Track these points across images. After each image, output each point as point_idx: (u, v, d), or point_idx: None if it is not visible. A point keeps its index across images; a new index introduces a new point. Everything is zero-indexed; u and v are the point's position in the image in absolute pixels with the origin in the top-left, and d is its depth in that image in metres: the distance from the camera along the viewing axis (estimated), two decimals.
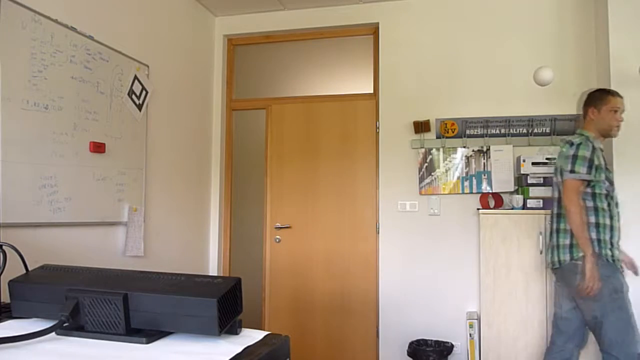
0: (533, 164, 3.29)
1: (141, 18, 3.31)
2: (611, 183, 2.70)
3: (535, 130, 3.60)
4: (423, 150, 3.76)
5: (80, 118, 2.72)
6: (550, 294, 3.16)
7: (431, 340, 3.62)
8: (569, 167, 2.61)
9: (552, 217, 2.82)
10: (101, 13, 2.93)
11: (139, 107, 3.24)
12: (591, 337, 2.80)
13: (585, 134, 2.72)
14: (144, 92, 3.28)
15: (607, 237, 2.61)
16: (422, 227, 3.77)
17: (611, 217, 2.65)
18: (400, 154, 3.83)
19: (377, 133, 3.94)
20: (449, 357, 3.54)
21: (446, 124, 3.73)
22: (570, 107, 3.57)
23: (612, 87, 3.24)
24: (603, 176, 2.63)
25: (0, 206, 2.23)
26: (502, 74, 3.71)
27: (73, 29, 2.69)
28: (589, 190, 2.63)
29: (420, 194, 3.76)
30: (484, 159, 3.65)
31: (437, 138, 3.76)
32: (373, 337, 3.86)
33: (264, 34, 4.28)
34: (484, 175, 3.63)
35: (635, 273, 2.80)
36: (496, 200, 3.53)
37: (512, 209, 3.33)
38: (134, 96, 3.19)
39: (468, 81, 3.76)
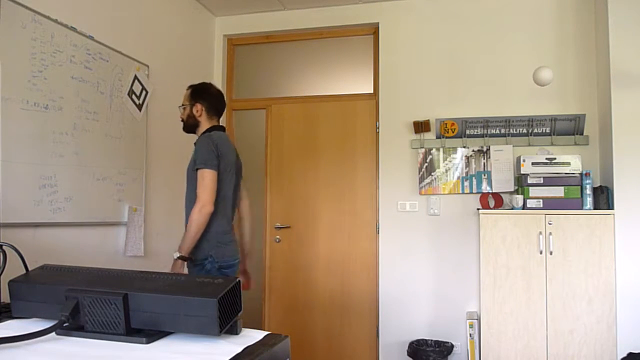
0: (533, 164, 3.29)
1: (141, 18, 3.31)
2: None
3: (535, 130, 3.60)
4: (423, 150, 3.75)
5: (80, 118, 2.72)
6: (550, 293, 3.16)
7: (431, 340, 3.61)
8: None
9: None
10: (101, 13, 2.93)
11: (139, 107, 3.24)
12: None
13: None
14: (144, 92, 3.28)
15: None
16: (422, 227, 3.77)
17: None
18: (400, 154, 3.83)
19: (377, 133, 3.94)
20: (449, 357, 3.54)
21: (446, 124, 3.73)
22: (570, 107, 3.58)
23: (612, 87, 3.25)
24: None
25: (0, 206, 2.23)
26: (502, 74, 3.71)
27: (73, 29, 2.69)
28: None
29: (420, 194, 3.76)
30: (484, 159, 3.65)
31: (437, 138, 3.76)
32: (373, 337, 3.86)
33: (264, 34, 4.28)
34: (484, 175, 3.63)
35: None
36: (496, 200, 3.53)
37: (512, 209, 3.33)
38: (134, 96, 3.19)
39: (468, 81, 3.76)
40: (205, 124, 2.61)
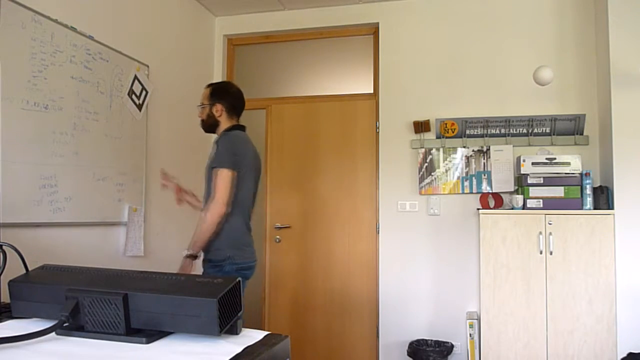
0: (533, 164, 3.29)
1: (141, 18, 3.31)
2: None
3: (535, 130, 3.60)
4: (423, 150, 3.75)
5: (80, 118, 2.72)
6: (550, 293, 3.16)
7: (431, 340, 3.61)
8: None
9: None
10: (101, 13, 2.93)
11: (139, 107, 3.24)
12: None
13: None
14: (144, 92, 3.28)
15: None
16: (422, 227, 3.77)
17: None
18: (400, 154, 3.83)
19: (377, 133, 3.94)
20: (449, 357, 3.54)
21: (446, 124, 3.73)
22: (570, 107, 3.58)
23: (612, 87, 3.24)
24: None
25: (0, 206, 2.23)
26: (502, 74, 3.71)
27: (73, 29, 2.69)
28: None
29: (420, 194, 3.76)
30: (484, 159, 3.65)
31: (437, 138, 3.76)
32: (373, 337, 3.86)
33: (264, 34, 4.28)
34: (484, 175, 3.63)
35: None
36: (496, 200, 3.52)
37: (512, 209, 3.33)
38: (134, 96, 3.19)
39: (468, 81, 3.76)
40: (225, 123, 2.57)
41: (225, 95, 2.58)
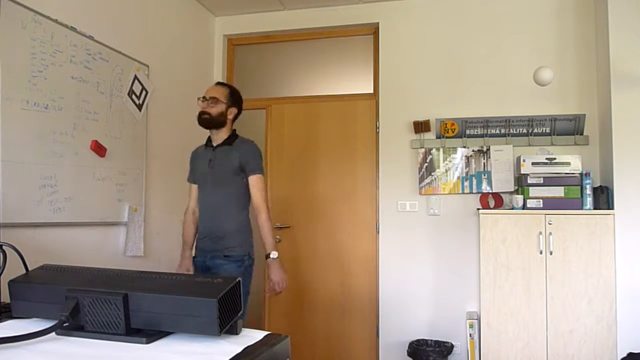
0: (533, 164, 3.29)
1: (141, 18, 3.31)
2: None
3: (535, 130, 3.60)
4: (423, 150, 3.75)
5: (80, 118, 2.72)
6: (550, 293, 3.16)
7: (431, 340, 3.62)
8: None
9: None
10: (101, 13, 2.93)
11: (139, 107, 3.24)
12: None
13: None
14: (144, 92, 3.28)
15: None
16: (422, 227, 3.77)
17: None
18: (400, 154, 3.83)
19: (377, 133, 3.94)
20: (449, 357, 3.54)
21: (446, 124, 3.73)
22: (570, 107, 3.57)
23: (612, 87, 3.24)
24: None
25: (0, 206, 2.23)
26: (502, 74, 3.71)
27: (73, 29, 2.69)
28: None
29: (420, 194, 3.76)
30: (484, 159, 3.64)
31: (437, 138, 3.76)
32: (373, 337, 3.86)
33: (264, 34, 4.28)
34: (484, 175, 3.63)
35: None
36: (496, 200, 3.52)
37: (512, 209, 3.33)
38: (134, 96, 3.19)
39: (468, 81, 3.76)
40: (229, 127, 2.69)
41: (240, 102, 2.73)
